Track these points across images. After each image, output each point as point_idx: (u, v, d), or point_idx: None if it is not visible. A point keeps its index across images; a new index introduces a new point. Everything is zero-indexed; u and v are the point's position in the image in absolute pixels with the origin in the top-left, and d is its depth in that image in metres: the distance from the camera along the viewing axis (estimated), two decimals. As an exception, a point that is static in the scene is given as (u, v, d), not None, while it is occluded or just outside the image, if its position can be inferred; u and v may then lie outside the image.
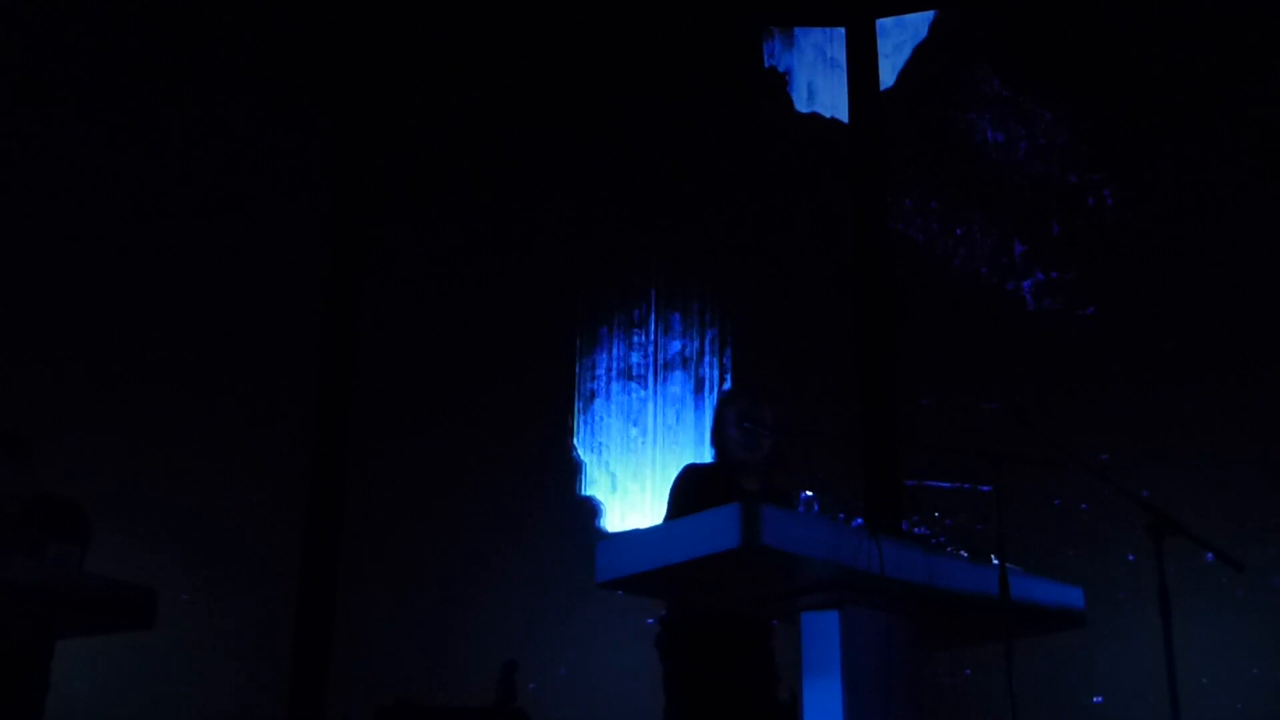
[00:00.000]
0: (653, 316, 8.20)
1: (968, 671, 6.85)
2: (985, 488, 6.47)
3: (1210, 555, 4.29)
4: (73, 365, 7.68)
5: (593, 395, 8.19)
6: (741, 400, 4.58)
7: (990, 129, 8.02)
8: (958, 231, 7.86)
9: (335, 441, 7.90)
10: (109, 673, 7.15)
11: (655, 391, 8.11)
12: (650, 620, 7.58)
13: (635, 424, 8.11)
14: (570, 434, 8.08)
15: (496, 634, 7.48)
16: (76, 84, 8.00)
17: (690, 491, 4.42)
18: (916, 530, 6.75)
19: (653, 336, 8.18)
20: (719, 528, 3.47)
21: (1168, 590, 4.08)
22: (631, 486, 8.00)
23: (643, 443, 8.08)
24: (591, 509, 7.99)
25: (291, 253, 8.20)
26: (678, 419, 8.03)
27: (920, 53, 8.28)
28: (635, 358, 8.19)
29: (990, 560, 3.95)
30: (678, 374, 8.11)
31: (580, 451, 8.05)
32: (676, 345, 8.15)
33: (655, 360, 8.15)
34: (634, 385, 8.16)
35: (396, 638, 7.60)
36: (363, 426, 8.05)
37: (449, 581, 7.80)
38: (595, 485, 8.03)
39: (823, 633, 3.79)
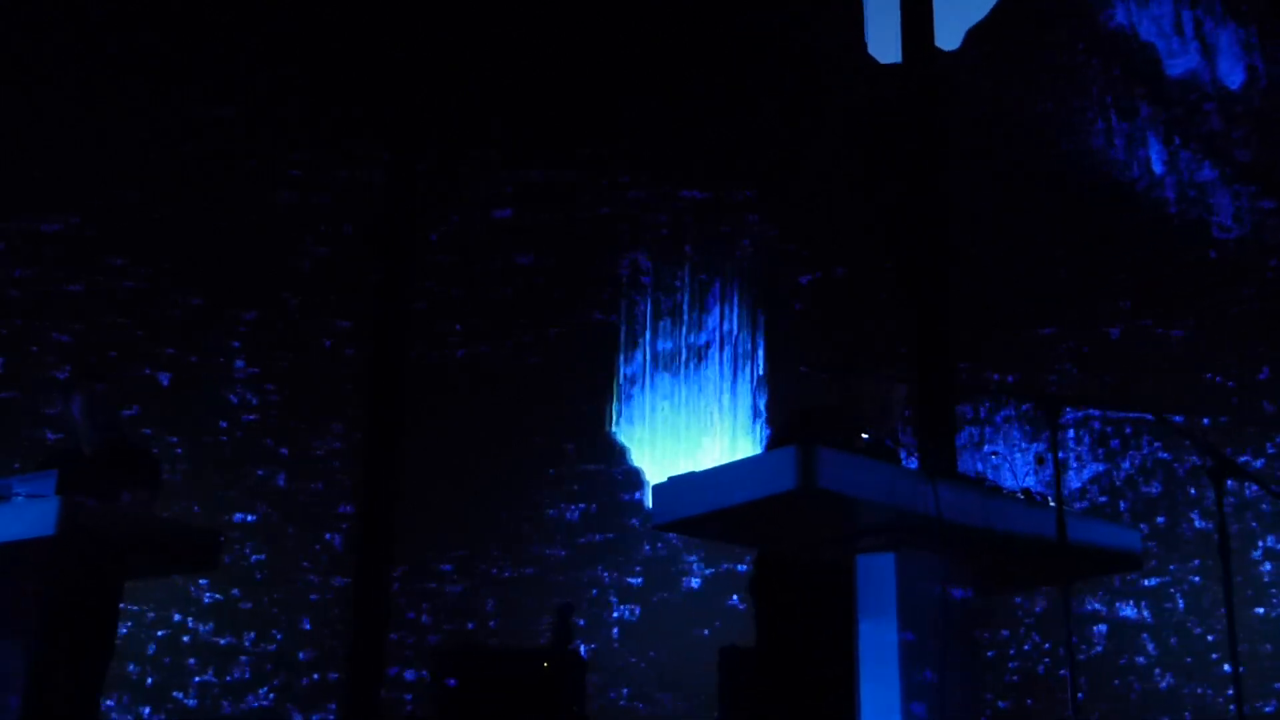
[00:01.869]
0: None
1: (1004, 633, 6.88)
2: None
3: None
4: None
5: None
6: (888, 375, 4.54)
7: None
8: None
9: (393, 406, 7.91)
10: (172, 607, 7.30)
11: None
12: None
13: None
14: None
15: (550, 582, 7.56)
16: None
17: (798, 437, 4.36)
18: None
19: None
20: (776, 470, 3.44)
21: (1227, 532, 4.04)
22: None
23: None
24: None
25: (351, 222, 8.38)
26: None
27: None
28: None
29: (1048, 502, 3.89)
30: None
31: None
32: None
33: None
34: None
35: (456, 583, 7.67)
36: (420, 391, 8.11)
37: (502, 531, 7.88)
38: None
39: (879, 576, 3.75)
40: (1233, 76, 7.59)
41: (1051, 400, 4.08)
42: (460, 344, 8.26)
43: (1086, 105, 7.84)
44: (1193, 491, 6.48)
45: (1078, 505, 6.64)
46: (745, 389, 7.93)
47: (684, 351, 8.16)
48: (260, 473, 7.79)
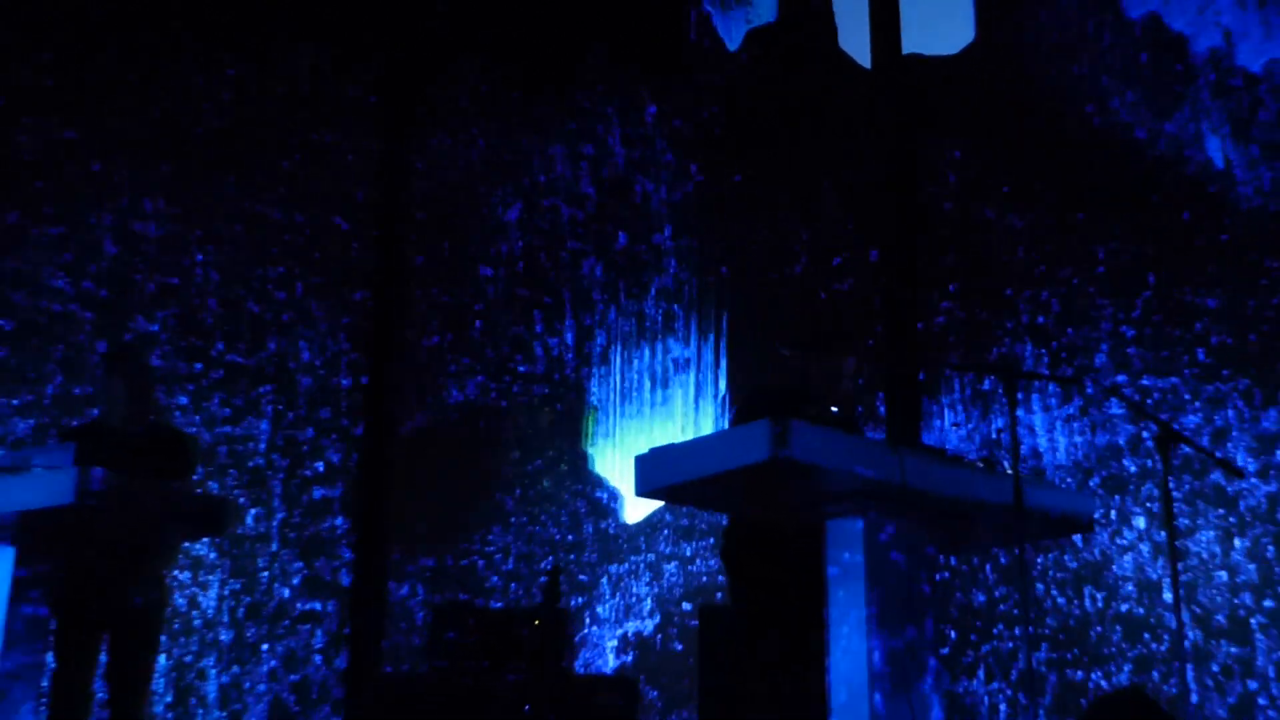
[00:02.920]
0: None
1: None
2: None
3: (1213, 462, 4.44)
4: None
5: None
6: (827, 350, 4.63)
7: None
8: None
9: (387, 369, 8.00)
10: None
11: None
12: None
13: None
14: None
15: (539, 544, 7.69)
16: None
17: (758, 410, 4.49)
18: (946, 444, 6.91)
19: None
20: (751, 441, 3.59)
21: (1171, 495, 4.24)
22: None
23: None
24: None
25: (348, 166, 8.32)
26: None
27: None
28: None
29: (1006, 470, 4.07)
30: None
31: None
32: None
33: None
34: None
35: (448, 549, 7.79)
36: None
37: (494, 497, 7.97)
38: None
39: (847, 539, 3.90)
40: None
41: (1008, 372, 4.26)
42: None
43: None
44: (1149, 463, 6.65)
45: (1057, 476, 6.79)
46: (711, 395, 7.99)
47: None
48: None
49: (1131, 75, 7.62)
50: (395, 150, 8.26)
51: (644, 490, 3.95)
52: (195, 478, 5.71)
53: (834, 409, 4.46)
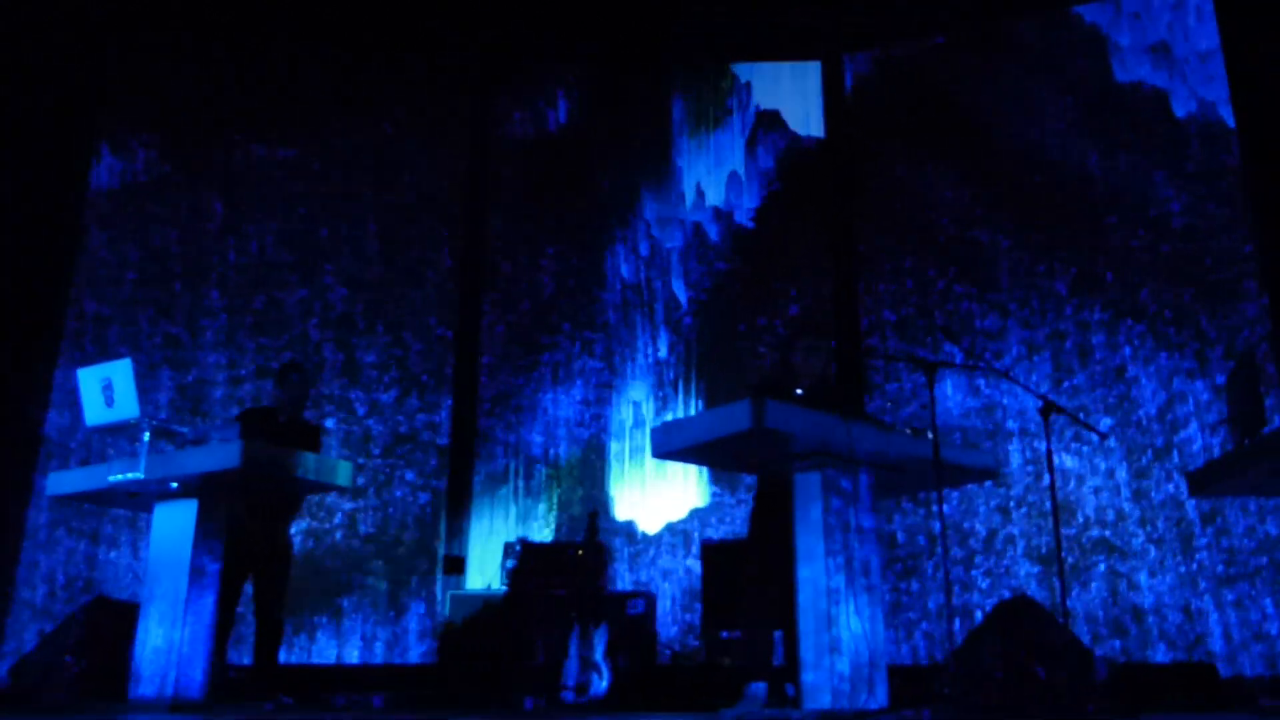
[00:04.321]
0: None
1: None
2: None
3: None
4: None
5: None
6: (806, 336, 4.73)
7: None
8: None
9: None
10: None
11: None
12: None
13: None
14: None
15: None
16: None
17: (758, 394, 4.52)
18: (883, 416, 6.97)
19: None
20: (738, 416, 3.73)
21: (1053, 459, 4.34)
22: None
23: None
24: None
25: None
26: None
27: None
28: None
29: (927, 434, 4.20)
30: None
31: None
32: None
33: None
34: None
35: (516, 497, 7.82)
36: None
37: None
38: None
39: (809, 487, 4.01)
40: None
41: (929, 365, 4.38)
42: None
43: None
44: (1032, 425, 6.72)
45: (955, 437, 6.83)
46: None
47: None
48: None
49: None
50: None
51: (658, 453, 4.06)
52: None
53: (798, 391, 4.57)
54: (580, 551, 6.17)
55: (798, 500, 4.04)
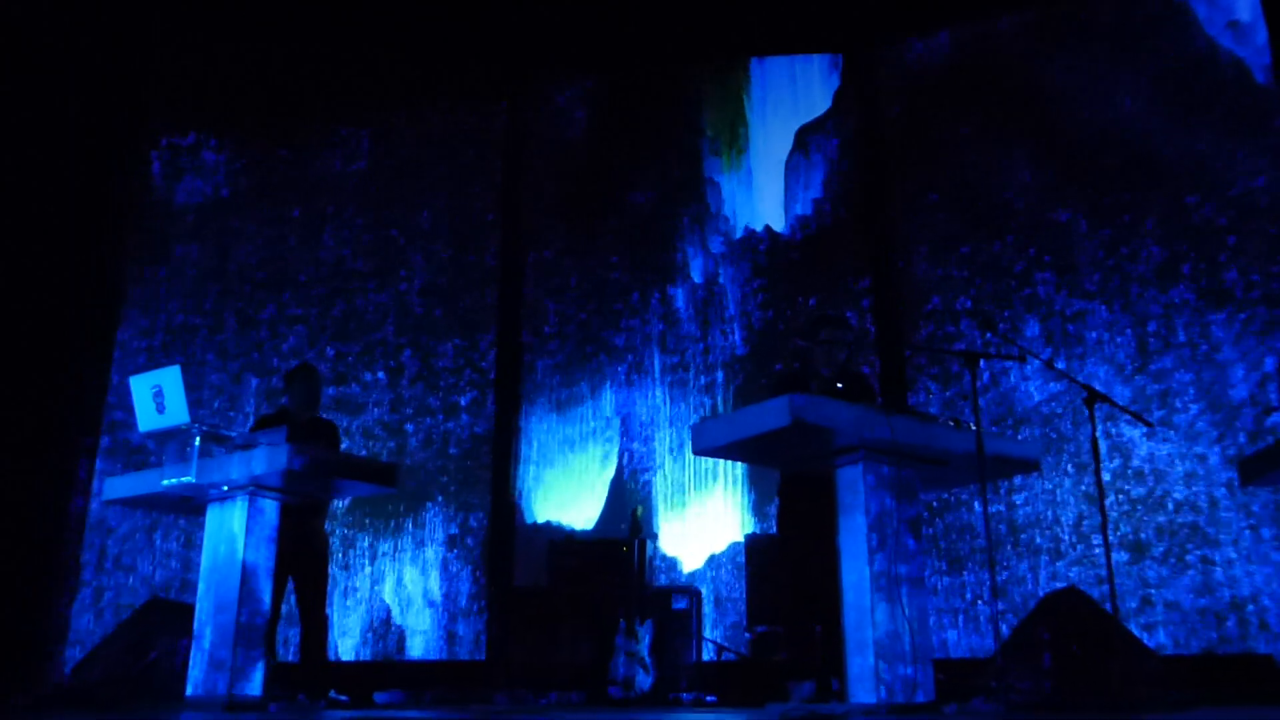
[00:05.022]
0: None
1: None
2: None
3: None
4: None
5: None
6: (827, 327, 4.71)
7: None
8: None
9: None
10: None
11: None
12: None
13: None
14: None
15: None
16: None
17: (780, 388, 4.49)
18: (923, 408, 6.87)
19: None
20: (777, 411, 3.70)
21: (1098, 446, 4.29)
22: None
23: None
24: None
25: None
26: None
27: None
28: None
29: (970, 425, 4.15)
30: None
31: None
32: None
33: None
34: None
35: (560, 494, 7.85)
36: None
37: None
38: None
39: (851, 482, 3.99)
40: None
41: (970, 355, 4.33)
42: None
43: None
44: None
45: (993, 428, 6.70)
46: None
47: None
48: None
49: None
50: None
51: (698, 449, 4.05)
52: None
53: (839, 385, 4.54)
54: (625, 548, 6.19)
55: (840, 495, 4.02)
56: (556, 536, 7.20)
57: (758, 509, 7.27)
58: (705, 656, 6.30)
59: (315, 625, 5.26)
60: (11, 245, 7.35)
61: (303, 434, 5.24)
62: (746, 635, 6.47)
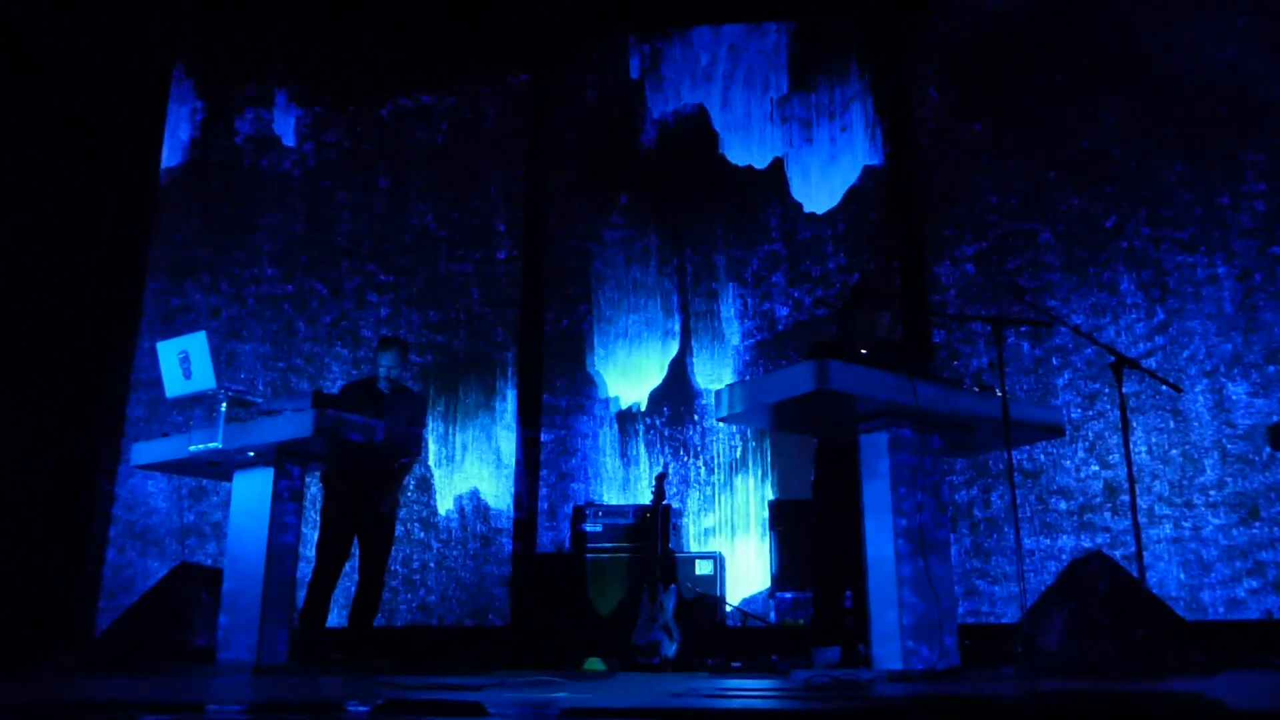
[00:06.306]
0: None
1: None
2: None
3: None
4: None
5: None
6: (867, 303, 4.72)
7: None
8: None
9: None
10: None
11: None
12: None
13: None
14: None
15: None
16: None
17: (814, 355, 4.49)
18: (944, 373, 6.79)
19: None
20: (801, 377, 3.69)
21: (1127, 408, 4.25)
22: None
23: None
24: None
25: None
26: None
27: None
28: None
29: (995, 391, 4.12)
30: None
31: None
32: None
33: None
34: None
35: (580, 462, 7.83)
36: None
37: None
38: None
39: (875, 448, 3.98)
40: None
41: (997, 321, 4.29)
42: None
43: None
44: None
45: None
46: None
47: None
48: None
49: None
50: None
51: (722, 416, 4.03)
52: None
53: (862, 351, 4.51)
54: (649, 514, 6.20)
55: (864, 461, 4.02)
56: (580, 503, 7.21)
57: (783, 477, 7.26)
58: (730, 623, 6.32)
59: (367, 595, 5.26)
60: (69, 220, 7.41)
61: (385, 402, 5.28)
62: (771, 601, 6.48)
